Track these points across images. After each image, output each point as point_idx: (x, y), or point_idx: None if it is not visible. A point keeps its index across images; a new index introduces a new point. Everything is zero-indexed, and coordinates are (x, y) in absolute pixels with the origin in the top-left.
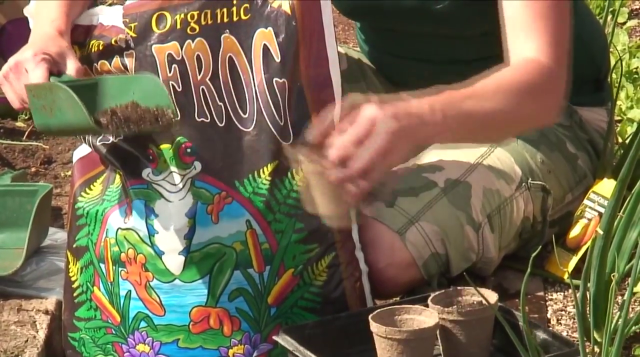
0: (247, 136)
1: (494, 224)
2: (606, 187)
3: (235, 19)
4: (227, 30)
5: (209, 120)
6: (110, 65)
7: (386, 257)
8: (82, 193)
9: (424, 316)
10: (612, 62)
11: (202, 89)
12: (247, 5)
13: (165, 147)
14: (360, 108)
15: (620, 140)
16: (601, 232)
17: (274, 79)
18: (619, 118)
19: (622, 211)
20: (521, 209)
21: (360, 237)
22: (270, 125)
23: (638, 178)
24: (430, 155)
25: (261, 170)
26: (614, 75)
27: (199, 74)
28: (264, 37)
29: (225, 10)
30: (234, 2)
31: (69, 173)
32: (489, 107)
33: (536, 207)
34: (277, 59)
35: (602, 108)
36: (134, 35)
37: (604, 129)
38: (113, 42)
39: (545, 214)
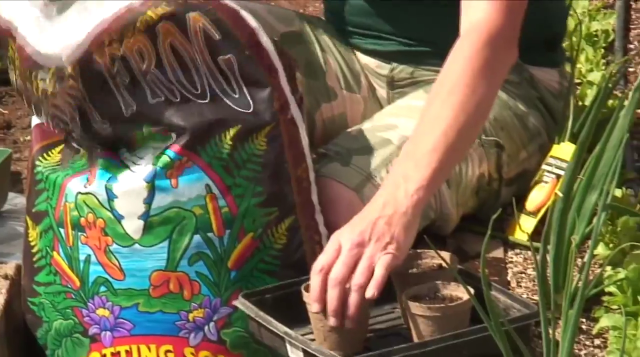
0: (205, 106)
1: (450, 180)
2: (564, 150)
3: (160, 14)
4: (161, 22)
5: (163, 99)
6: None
7: (345, 216)
8: (40, 158)
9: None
10: (572, 25)
11: (149, 77)
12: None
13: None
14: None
15: (580, 103)
16: (561, 195)
17: (219, 58)
18: (579, 81)
19: (581, 173)
20: (476, 166)
21: (319, 198)
22: (226, 99)
23: (597, 141)
24: (384, 116)
25: (222, 135)
26: (573, 38)
27: (143, 65)
28: (199, 19)
29: (147, 14)
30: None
31: (29, 138)
32: (456, 125)
33: (491, 163)
34: (217, 36)
35: (554, 69)
36: None
37: (555, 89)
38: None
39: (501, 171)
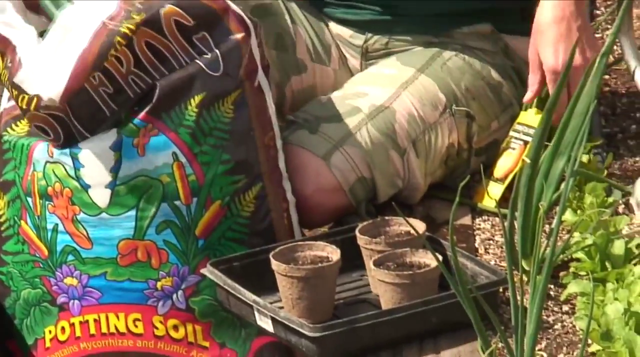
0: (174, 72)
1: (419, 150)
2: (531, 117)
3: (136, 24)
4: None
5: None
6: None
7: (312, 184)
8: (9, 128)
9: (327, 252)
10: None
11: (130, 78)
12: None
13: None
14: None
15: None
16: (528, 161)
17: (194, 37)
18: None
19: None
20: (446, 135)
21: (286, 166)
22: (199, 62)
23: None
24: (355, 84)
25: (188, 102)
26: None
27: (123, 69)
28: (170, 12)
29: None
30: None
31: None
32: None
33: (461, 133)
34: (191, 22)
35: (528, 38)
36: None
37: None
38: None
39: (471, 141)
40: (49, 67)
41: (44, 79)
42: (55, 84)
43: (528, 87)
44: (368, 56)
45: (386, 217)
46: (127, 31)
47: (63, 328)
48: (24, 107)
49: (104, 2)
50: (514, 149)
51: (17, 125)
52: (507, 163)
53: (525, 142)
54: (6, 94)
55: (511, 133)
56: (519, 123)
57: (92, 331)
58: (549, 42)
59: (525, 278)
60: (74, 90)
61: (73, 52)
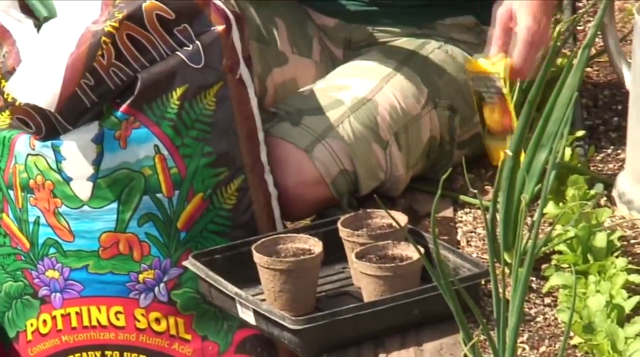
0: (154, 64)
1: (401, 143)
2: (482, 63)
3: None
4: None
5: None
6: None
7: (294, 176)
8: None
9: (309, 245)
10: None
11: (112, 71)
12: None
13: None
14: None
15: None
16: (510, 153)
17: (175, 29)
18: None
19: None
20: (428, 128)
21: (268, 158)
22: (181, 54)
23: (546, 100)
24: (337, 76)
25: (170, 95)
26: None
27: (104, 61)
28: (151, 6)
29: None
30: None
31: None
32: None
33: (443, 126)
34: (172, 15)
35: None
36: None
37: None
38: None
39: (453, 134)
40: (39, 76)
41: (36, 89)
42: (48, 93)
43: (490, 41)
44: (351, 47)
45: (368, 210)
46: (111, 29)
47: (45, 321)
48: (9, 100)
49: (88, 7)
50: (491, 103)
51: None
52: (496, 116)
53: (499, 93)
54: None
55: (471, 84)
56: (472, 72)
57: (74, 323)
58: (530, 8)
59: (507, 271)
60: (67, 97)
61: (61, 58)
